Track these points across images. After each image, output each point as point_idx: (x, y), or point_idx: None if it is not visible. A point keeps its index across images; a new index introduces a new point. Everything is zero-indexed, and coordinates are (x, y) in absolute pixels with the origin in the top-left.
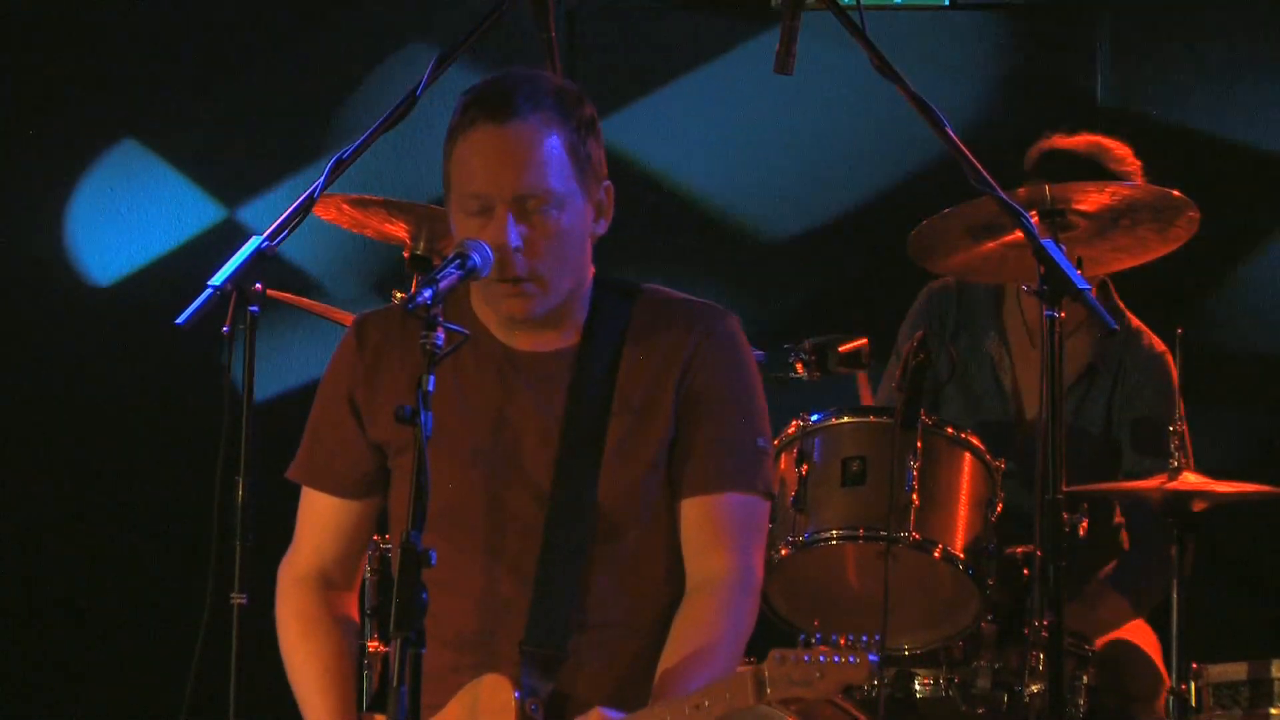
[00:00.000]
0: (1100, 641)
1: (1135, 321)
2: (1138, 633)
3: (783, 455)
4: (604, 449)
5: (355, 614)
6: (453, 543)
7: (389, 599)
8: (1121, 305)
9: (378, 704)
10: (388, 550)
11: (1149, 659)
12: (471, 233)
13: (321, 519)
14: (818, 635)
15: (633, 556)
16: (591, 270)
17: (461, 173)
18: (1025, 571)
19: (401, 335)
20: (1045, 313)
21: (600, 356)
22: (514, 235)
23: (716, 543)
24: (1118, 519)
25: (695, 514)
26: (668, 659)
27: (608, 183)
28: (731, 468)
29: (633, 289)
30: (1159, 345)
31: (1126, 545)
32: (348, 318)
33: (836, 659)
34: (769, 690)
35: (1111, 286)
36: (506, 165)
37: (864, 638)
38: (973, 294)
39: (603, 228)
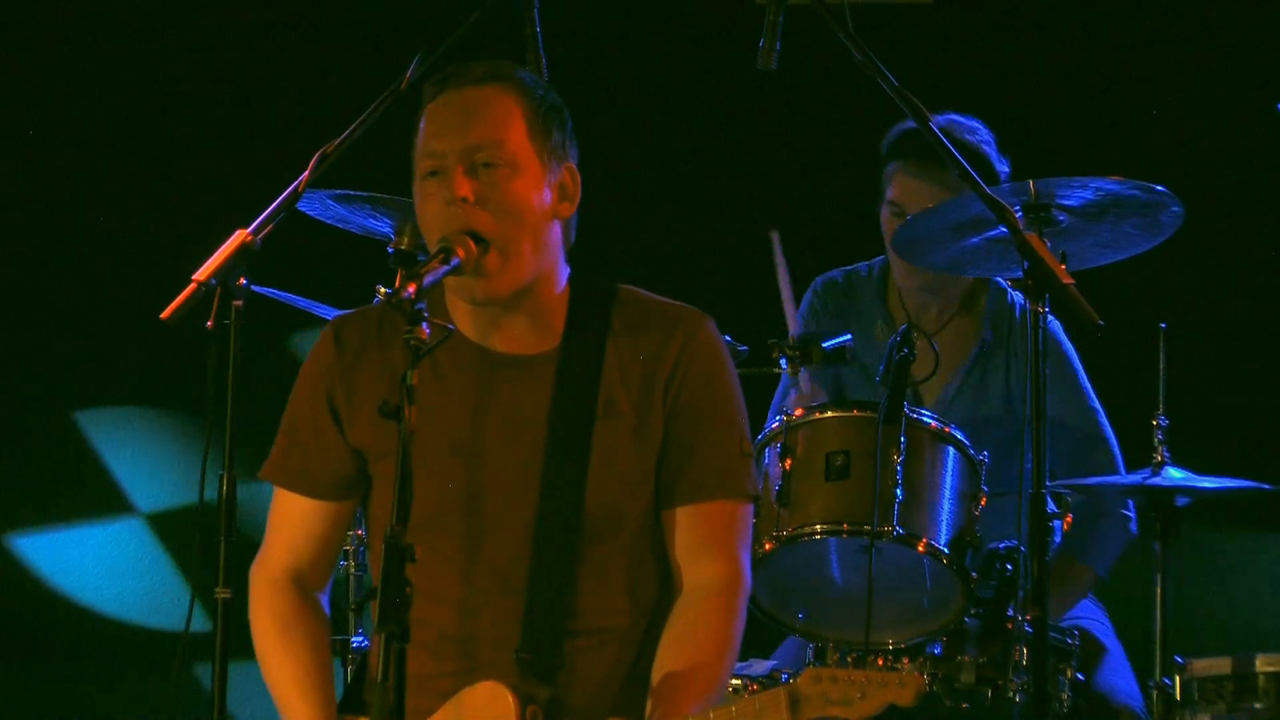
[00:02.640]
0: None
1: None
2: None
3: (767, 450)
4: (591, 453)
5: (327, 612)
6: (432, 549)
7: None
8: (1009, 286)
9: (349, 705)
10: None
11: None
12: (427, 193)
13: (296, 520)
14: (855, 654)
15: (622, 561)
16: (567, 271)
17: (420, 139)
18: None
19: (378, 338)
20: (1027, 306)
21: (582, 359)
22: (465, 188)
23: (708, 549)
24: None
25: (686, 521)
26: (665, 665)
27: (571, 164)
28: (721, 475)
29: (609, 290)
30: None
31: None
32: (332, 312)
33: (884, 680)
34: (804, 708)
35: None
36: (459, 121)
37: (905, 659)
38: (858, 284)
39: (567, 211)
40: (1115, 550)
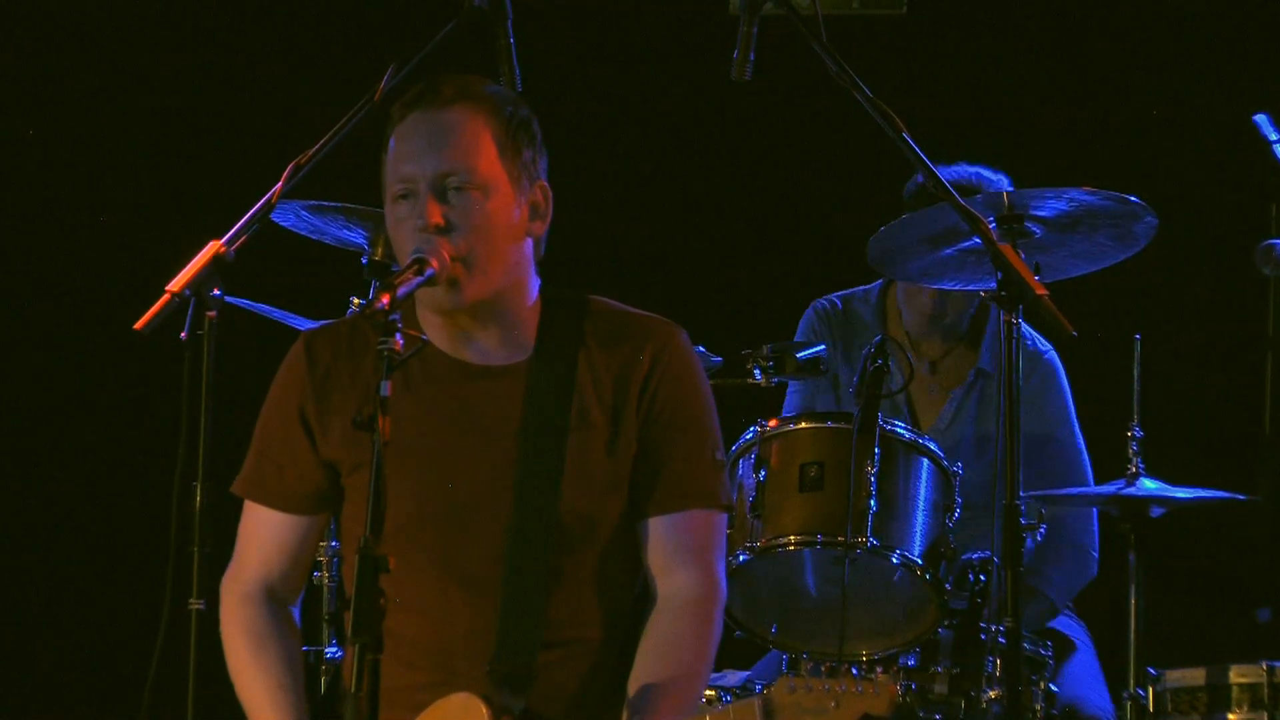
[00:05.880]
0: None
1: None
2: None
3: (741, 461)
4: (564, 463)
5: (298, 624)
6: (407, 560)
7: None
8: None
9: (323, 718)
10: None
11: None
12: (399, 216)
13: (267, 534)
14: (830, 664)
15: (596, 571)
16: (538, 282)
17: (390, 161)
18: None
19: (349, 350)
20: (1003, 318)
21: (554, 370)
22: (436, 214)
23: (683, 559)
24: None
25: (660, 531)
26: (641, 675)
27: (543, 182)
28: (694, 485)
29: (580, 301)
30: (1042, 344)
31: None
32: (306, 324)
33: (859, 688)
34: (778, 717)
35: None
36: (429, 145)
37: (879, 668)
38: (856, 308)
39: (539, 229)
40: (1075, 582)
